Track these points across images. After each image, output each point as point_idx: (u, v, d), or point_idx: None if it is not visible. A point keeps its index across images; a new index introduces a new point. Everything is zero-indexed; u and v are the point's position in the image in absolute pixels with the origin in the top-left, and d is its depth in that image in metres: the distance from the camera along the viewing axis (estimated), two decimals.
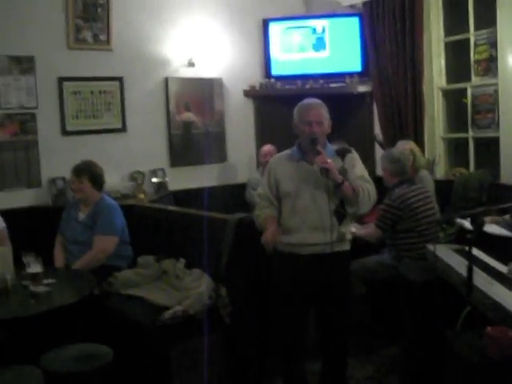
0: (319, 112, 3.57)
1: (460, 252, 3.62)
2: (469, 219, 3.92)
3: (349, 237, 3.64)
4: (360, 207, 3.52)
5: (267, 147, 6.11)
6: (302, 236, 3.54)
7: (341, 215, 3.53)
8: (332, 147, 3.66)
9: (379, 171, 6.32)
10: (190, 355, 3.86)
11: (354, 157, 3.66)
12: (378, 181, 5.97)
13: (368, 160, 6.36)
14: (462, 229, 4.23)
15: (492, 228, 4.28)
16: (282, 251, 3.60)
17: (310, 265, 3.52)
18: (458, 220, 4.27)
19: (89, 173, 4.76)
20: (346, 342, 3.76)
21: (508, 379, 2.33)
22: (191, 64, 6.25)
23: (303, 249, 3.53)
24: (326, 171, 3.37)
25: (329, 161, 3.38)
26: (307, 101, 3.64)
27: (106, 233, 4.66)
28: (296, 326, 3.68)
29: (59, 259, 4.76)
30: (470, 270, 2.84)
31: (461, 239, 4.50)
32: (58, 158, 5.50)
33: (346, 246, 3.64)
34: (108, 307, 4.25)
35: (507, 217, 4.50)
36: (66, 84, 5.58)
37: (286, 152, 3.75)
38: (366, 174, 3.63)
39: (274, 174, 3.65)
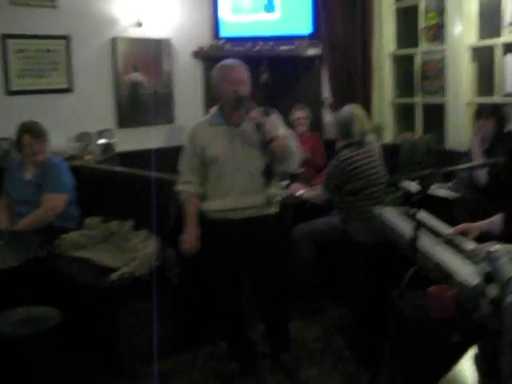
0: (242, 71, 3.57)
1: (406, 214, 3.68)
2: (415, 182, 4.01)
3: (278, 198, 3.66)
4: (290, 164, 3.55)
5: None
6: (231, 200, 3.52)
7: (269, 175, 3.48)
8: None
9: (327, 135, 6.39)
10: (138, 316, 3.87)
11: (277, 116, 3.71)
12: (327, 144, 6.08)
13: (316, 123, 6.41)
14: (408, 192, 4.28)
15: (439, 191, 4.36)
16: (212, 218, 3.60)
17: (241, 229, 3.52)
18: (406, 183, 4.32)
19: (45, 134, 4.70)
20: (285, 306, 3.77)
21: (448, 336, 2.38)
22: (139, 24, 6.12)
23: (233, 213, 3.52)
24: (258, 126, 3.35)
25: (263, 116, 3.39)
26: (228, 61, 3.64)
27: (55, 190, 4.61)
28: (232, 293, 3.69)
29: (3, 221, 4.68)
30: (415, 231, 2.89)
31: (407, 202, 4.58)
32: (2, 119, 5.34)
33: (274, 209, 3.66)
34: (55, 269, 4.20)
35: (453, 182, 4.59)
36: (9, 41, 5.39)
37: (206, 117, 3.78)
38: (288, 132, 3.70)
39: (199, 140, 3.61)
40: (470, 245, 3.06)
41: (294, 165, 3.59)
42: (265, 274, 3.64)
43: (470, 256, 2.86)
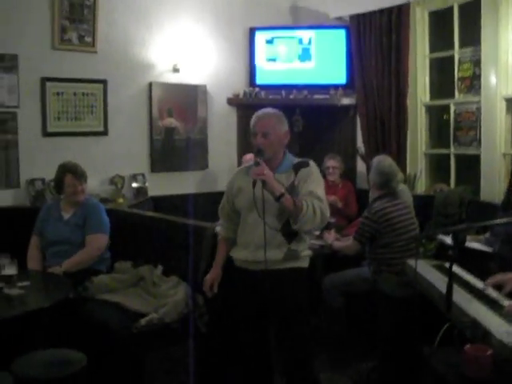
0: (267, 122, 3.43)
1: (440, 268, 3.62)
2: (450, 236, 3.95)
3: (305, 253, 3.50)
4: (303, 224, 3.29)
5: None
6: (250, 252, 3.45)
7: (290, 233, 3.37)
8: (292, 160, 3.50)
9: (360, 184, 6.37)
10: (165, 363, 3.83)
11: (310, 171, 3.45)
12: (359, 193, 6.05)
13: (349, 172, 6.40)
14: (443, 244, 4.24)
15: (473, 244, 4.28)
16: (238, 266, 3.55)
17: (261, 280, 3.40)
18: (440, 236, 4.27)
19: (85, 174, 4.76)
20: (307, 361, 3.57)
21: None
22: (176, 70, 6.22)
23: (253, 265, 3.44)
24: (262, 183, 3.21)
25: (265, 172, 3.21)
26: (260, 111, 3.53)
27: (98, 231, 4.65)
28: (255, 345, 3.59)
29: (34, 261, 4.69)
30: (449, 287, 2.83)
31: (440, 255, 4.52)
32: (37, 159, 5.43)
33: (301, 264, 3.48)
34: (83, 312, 4.18)
35: (487, 235, 4.51)
36: (48, 84, 5.50)
37: (247, 164, 3.69)
38: (318, 189, 3.40)
39: (233, 188, 3.57)
40: (506, 301, 3.00)
41: (309, 224, 3.31)
42: (284, 330, 3.52)
43: (507, 314, 2.79)
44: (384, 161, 4.82)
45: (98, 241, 4.63)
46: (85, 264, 4.52)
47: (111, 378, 3.93)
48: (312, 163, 3.50)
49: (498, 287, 3.20)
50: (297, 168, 3.44)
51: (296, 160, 3.52)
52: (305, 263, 3.52)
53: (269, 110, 3.54)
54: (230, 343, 3.89)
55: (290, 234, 3.38)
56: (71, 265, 4.47)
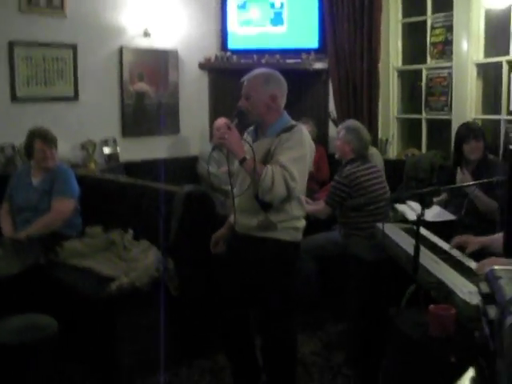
0: (250, 84, 3.34)
1: (408, 231, 3.67)
2: (410, 207, 3.99)
3: (286, 225, 3.33)
4: (262, 192, 3.18)
5: (222, 120, 6.00)
6: (236, 216, 3.41)
7: (263, 202, 3.27)
8: (285, 124, 3.35)
9: (332, 149, 6.37)
10: (136, 328, 3.84)
11: (289, 136, 3.27)
12: (331, 158, 6.06)
13: (322, 137, 6.40)
14: (404, 217, 4.26)
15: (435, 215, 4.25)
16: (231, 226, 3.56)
17: (242, 244, 3.42)
18: (400, 209, 4.30)
19: (55, 140, 4.71)
20: (281, 321, 3.53)
21: (447, 356, 2.36)
22: (147, 34, 6.14)
23: (238, 227, 3.44)
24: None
25: (226, 136, 3.12)
26: (250, 72, 3.43)
27: (64, 195, 4.62)
28: (233, 302, 3.55)
29: (6, 228, 4.67)
30: (416, 249, 2.87)
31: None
32: (6, 125, 5.34)
33: (279, 235, 3.32)
34: (53, 277, 4.18)
35: (443, 196, 4.51)
36: (17, 49, 5.40)
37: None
38: (287, 156, 3.19)
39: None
40: (470, 262, 3.05)
41: (267, 194, 3.16)
42: (258, 291, 3.52)
43: (470, 274, 2.84)
44: (363, 127, 4.86)
45: (62, 205, 4.59)
46: (48, 228, 4.48)
47: (82, 343, 3.95)
48: (297, 128, 3.33)
49: (462, 248, 3.26)
50: (280, 133, 3.31)
51: (290, 124, 3.38)
52: (285, 235, 3.35)
53: (259, 70, 3.44)
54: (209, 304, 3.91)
55: (265, 202, 3.27)
56: (34, 229, 4.44)
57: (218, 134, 3.21)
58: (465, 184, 4.08)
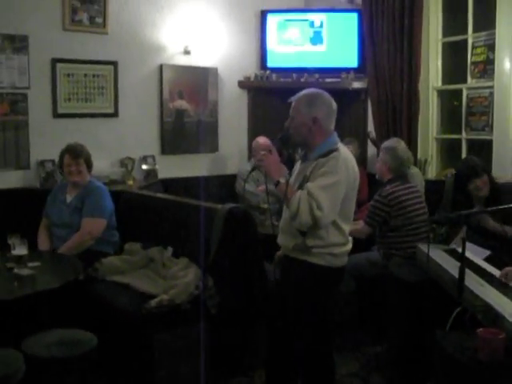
0: (294, 105, 3.32)
1: (451, 253, 3.62)
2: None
3: (321, 251, 3.25)
4: (289, 217, 3.19)
5: (262, 140, 5.93)
6: (278, 237, 3.44)
7: None
8: (328, 148, 3.25)
9: (370, 168, 6.33)
10: (174, 345, 3.83)
11: (324, 162, 3.18)
12: (370, 177, 6.03)
13: (360, 157, 6.36)
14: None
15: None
16: None
17: (284, 264, 3.45)
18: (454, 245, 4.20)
19: (85, 155, 4.74)
20: (308, 358, 3.45)
21: (496, 381, 2.31)
22: (187, 52, 6.18)
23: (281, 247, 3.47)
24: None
25: (264, 159, 3.17)
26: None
27: (94, 215, 4.62)
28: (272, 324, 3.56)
29: (44, 243, 4.72)
30: (461, 271, 2.83)
31: (450, 241, 4.51)
32: (48, 141, 5.41)
33: (312, 259, 3.26)
34: (93, 293, 4.20)
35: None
36: (59, 65, 5.48)
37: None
38: (317, 183, 3.13)
39: None
40: None
41: (294, 219, 3.14)
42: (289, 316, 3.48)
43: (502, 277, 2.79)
44: (399, 145, 4.82)
45: (91, 225, 4.60)
46: (79, 248, 4.50)
47: (121, 359, 3.95)
48: (335, 154, 3.20)
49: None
50: (318, 157, 3.23)
51: (333, 147, 3.26)
52: (320, 260, 3.28)
53: (306, 90, 3.38)
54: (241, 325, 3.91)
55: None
56: (65, 249, 4.48)
57: (258, 156, 3.23)
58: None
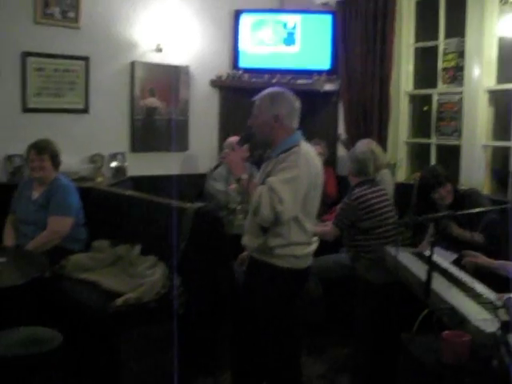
0: (256, 103, 3.37)
1: (419, 256, 3.64)
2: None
3: (283, 252, 3.26)
4: (250, 213, 3.22)
5: (232, 139, 5.89)
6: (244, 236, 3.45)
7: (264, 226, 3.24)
8: (289, 145, 3.29)
9: (340, 170, 6.36)
10: (141, 343, 3.81)
11: (284, 158, 3.21)
12: (340, 179, 6.06)
13: (330, 159, 6.39)
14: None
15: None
16: None
17: (247, 265, 3.48)
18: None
19: (50, 151, 4.67)
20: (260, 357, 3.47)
21: (460, 382, 2.33)
22: (159, 49, 6.15)
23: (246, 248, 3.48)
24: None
25: (229, 156, 3.26)
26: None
27: (60, 213, 4.56)
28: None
29: (9, 239, 4.65)
30: (429, 274, 2.84)
31: (417, 243, 4.55)
32: (16, 135, 5.34)
33: (275, 261, 3.28)
34: (59, 290, 4.16)
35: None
36: (29, 59, 5.41)
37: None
38: (278, 178, 3.14)
39: None
40: (483, 289, 3.03)
41: (256, 216, 3.14)
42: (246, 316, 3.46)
43: (484, 301, 2.81)
44: (358, 148, 4.85)
45: (58, 224, 4.55)
46: (45, 247, 4.43)
47: (87, 357, 3.91)
48: (295, 149, 3.25)
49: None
50: (279, 154, 3.27)
51: (293, 144, 3.30)
52: (281, 262, 3.29)
53: (268, 89, 3.43)
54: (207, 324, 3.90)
55: (265, 228, 3.26)
56: (31, 247, 4.41)
57: (223, 154, 3.26)
58: (475, 210, 4.00)
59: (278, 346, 3.45)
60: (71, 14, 5.56)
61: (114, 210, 4.84)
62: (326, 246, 4.91)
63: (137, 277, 4.12)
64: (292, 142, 3.30)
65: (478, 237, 4.15)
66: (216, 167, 3.34)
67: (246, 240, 3.40)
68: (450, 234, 4.22)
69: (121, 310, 3.76)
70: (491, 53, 5.31)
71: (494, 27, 5.23)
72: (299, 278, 3.41)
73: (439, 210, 4.35)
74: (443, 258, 3.71)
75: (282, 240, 3.25)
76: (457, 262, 3.72)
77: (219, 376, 4.07)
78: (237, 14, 6.62)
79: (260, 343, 3.42)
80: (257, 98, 3.39)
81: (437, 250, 3.68)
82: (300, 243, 3.32)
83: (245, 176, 3.21)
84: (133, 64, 6.03)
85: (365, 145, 4.95)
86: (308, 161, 3.27)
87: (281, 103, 3.34)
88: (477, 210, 3.91)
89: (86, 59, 5.72)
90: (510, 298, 1.87)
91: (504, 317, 1.84)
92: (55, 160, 4.71)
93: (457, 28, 5.60)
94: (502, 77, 5.32)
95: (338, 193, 5.97)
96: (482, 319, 2.51)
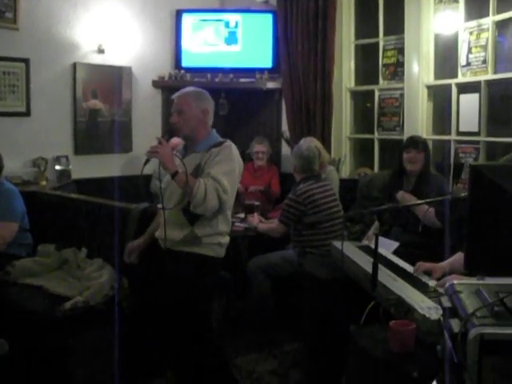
0: (182, 100, 3.46)
1: (364, 249, 3.70)
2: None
3: (210, 241, 3.39)
4: (193, 204, 3.23)
5: (176, 140, 5.93)
6: (160, 231, 3.45)
7: (191, 214, 3.31)
8: (214, 140, 3.47)
9: (284, 168, 6.41)
10: (90, 347, 3.77)
11: (219, 151, 3.38)
12: (284, 177, 6.11)
13: (274, 156, 6.44)
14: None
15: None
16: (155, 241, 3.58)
17: (165, 259, 3.44)
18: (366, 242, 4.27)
19: None
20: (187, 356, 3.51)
21: (409, 371, 2.38)
22: (101, 50, 6.10)
23: (161, 242, 3.46)
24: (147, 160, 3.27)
25: (159, 150, 3.22)
26: (180, 90, 3.54)
27: (4, 219, 4.47)
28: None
29: None
30: (375, 267, 2.90)
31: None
32: None
33: (203, 251, 3.38)
34: (4, 297, 4.08)
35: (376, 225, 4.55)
36: None
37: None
38: (219, 169, 3.29)
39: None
40: (427, 278, 3.10)
41: (200, 206, 3.21)
42: (168, 314, 3.43)
43: (428, 290, 2.88)
44: (303, 145, 4.89)
45: (3, 229, 4.43)
46: None
47: (35, 364, 3.85)
48: (227, 143, 3.45)
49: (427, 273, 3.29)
50: (210, 148, 3.41)
51: (219, 140, 3.49)
52: (209, 251, 3.40)
53: (188, 88, 3.56)
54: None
55: (192, 216, 3.33)
56: None
57: (150, 148, 3.27)
58: (418, 202, 4.07)
59: (204, 334, 3.50)
60: (9, 15, 5.45)
61: (58, 214, 4.78)
62: (272, 243, 4.97)
63: (84, 280, 4.08)
64: (215, 138, 3.50)
65: (431, 215, 4.15)
66: (146, 163, 3.31)
67: (167, 234, 3.33)
68: (404, 221, 4.27)
69: (69, 313, 3.72)
70: (429, 49, 5.43)
71: (430, 24, 5.36)
72: (219, 266, 3.55)
73: (408, 178, 4.42)
74: (385, 247, 3.79)
75: (210, 229, 3.39)
76: (399, 253, 3.80)
77: (170, 377, 4.06)
78: (178, 14, 6.61)
79: (185, 334, 3.45)
80: (178, 95, 3.49)
81: (380, 239, 3.76)
82: (224, 232, 3.49)
83: (181, 169, 3.23)
84: (74, 65, 5.96)
85: (309, 142, 5.00)
86: (237, 156, 3.48)
87: (206, 100, 3.53)
88: (421, 202, 3.91)
89: (26, 61, 5.62)
90: (450, 285, 1.92)
91: (447, 303, 1.89)
92: None
93: (395, 25, 5.73)
94: (440, 72, 5.45)
95: (282, 190, 6.01)
96: (427, 307, 2.57)
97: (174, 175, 3.23)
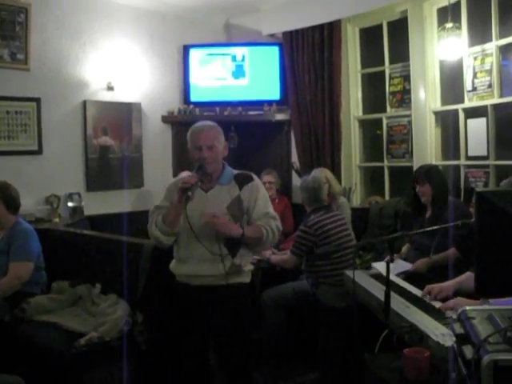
0: (211, 134, 3.38)
1: (377, 277, 3.69)
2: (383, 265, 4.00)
3: (248, 268, 3.47)
4: (262, 247, 3.49)
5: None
6: (191, 267, 3.39)
7: (233, 246, 3.33)
8: (232, 171, 3.48)
9: (296, 199, 6.42)
10: (105, 382, 3.77)
11: (256, 186, 3.45)
12: (295, 207, 6.12)
13: (285, 187, 6.46)
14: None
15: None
16: (179, 281, 3.50)
17: (202, 296, 3.40)
18: (375, 266, 4.27)
19: (2, 195, 4.58)
20: (246, 378, 3.55)
21: None
22: (110, 88, 6.18)
23: (194, 279, 3.40)
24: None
25: (216, 221, 3.22)
26: (199, 124, 3.46)
27: (21, 259, 4.47)
28: (196, 355, 3.51)
29: None
30: (387, 295, 2.89)
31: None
32: None
33: (244, 279, 3.45)
34: (20, 334, 4.08)
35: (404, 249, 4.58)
36: None
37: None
38: (269, 206, 3.46)
39: (172, 198, 3.43)
40: (439, 304, 3.10)
41: (270, 245, 3.54)
42: (225, 345, 3.46)
43: (441, 316, 2.87)
44: (309, 177, 4.89)
45: (19, 270, 4.41)
46: (7, 293, 4.30)
47: None
48: (255, 177, 3.50)
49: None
50: (240, 181, 3.42)
51: (235, 171, 3.49)
52: (247, 278, 3.49)
53: (207, 122, 3.49)
54: (171, 360, 3.86)
55: (234, 248, 3.34)
56: None
57: (208, 215, 3.25)
58: (428, 229, 4.05)
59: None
60: (20, 56, 5.56)
61: (72, 250, 4.80)
62: (285, 275, 4.97)
63: (99, 315, 4.08)
64: (230, 169, 3.50)
65: (453, 253, 4.14)
66: (187, 200, 3.24)
67: (206, 269, 3.33)
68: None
69: (84, 349, 3.72)
70: (434, 75, 5.47)
71: (434, 51, 5.40)
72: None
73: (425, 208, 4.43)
74: (398, 269, 3.80)
75: (247, 258, 3.48)
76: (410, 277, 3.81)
77: None
78: (185, 49, 6.69)
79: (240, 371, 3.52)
80: (206, 130, 3.39)
81: (396, 260, 3.81)
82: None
83: (242, 229, 3.30)
84: (84, 103, 6.04)
85: (317, 173, 5.02)
86: None
87: (223, 133, 3.49)
88: (435, 227, 3.91)
89: (37, 100, 5.71)
90: (462, 311, 1.92)
91: (459, 330, 1.89)
92: (9, 204, 4.60)
93: (401, 53, 5.76)
94: (446, 98, 5.48)
95: (294, 221, 6.01)
96: (441, 334, 2.56)
97: (241, 238, 3.30)
